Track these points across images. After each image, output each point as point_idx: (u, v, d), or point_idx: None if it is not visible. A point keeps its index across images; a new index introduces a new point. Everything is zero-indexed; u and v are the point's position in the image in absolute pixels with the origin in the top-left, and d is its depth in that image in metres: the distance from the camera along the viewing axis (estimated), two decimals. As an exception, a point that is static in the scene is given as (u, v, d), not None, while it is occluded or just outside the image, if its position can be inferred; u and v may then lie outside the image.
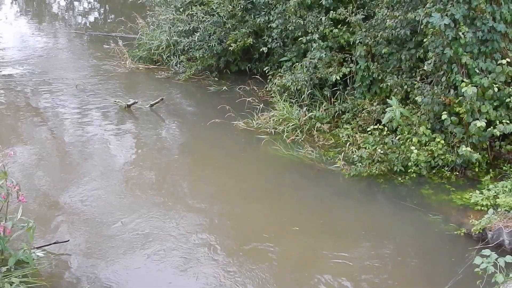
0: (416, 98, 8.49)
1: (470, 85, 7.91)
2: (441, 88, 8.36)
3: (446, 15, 8.02)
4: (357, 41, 9.57)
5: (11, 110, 10.85)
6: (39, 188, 8.14)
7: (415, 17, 8.57)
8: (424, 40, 8.51)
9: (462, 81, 8.03)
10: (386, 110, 8.68)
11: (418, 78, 8.91)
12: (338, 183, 8.42)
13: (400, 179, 8.34)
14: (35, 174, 8.60)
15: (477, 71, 8.12)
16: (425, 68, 8.44)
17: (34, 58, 13.73)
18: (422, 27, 8.46)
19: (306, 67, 10.04)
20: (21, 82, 12.14)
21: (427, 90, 8.43)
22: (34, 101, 11.18)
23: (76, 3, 20.67)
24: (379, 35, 9.27)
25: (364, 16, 9.76)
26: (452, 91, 8.30)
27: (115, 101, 10.98)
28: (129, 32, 14.71)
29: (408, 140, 8.49)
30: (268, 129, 9.79)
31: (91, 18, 18.76)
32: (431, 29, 8.21)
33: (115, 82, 12.14)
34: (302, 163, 8.91)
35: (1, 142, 9.37)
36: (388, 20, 9.06)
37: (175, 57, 12.80)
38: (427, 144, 8.39)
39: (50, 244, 6.74)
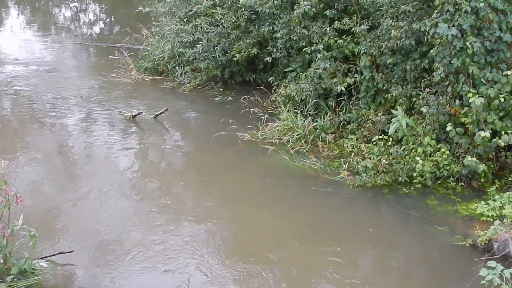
0: (422, 109, 8.46)
1: (477, 95, 7.90)
2: (447, 98, 8.34)
3: (454, 25, 8.01)
4: (362, 52, 9.56)
5: (16, 120, 10.88)
6: (43, 198, 8.14)
7: (420, 27, 8.57)
8: (431, 50, 8.49)
9: (469, 91, 8.01)
10: (391, 120, 8.66)
11: (423, 88, 8.90)
12: (342, 193, 8.38)
13: (405, 189, 8.30)
14: (39, 184, 8.60)
15: (483, 81, 8.11)
16: (434, 78, 8.42)
17: (39, 69, 13.76)
18: (428, 37, 8.44)
19: (310, 77, 10.02)
20: (27, 92, 12.17)
21: (432, 100, 8.41)
22: (39, 111, 11.19)
23: (81, 14, 20.75)
24: (383, 45, 9.27)
25: (368, 27, 9.76)
26: (457, 101, 8.28)
27: (120, 112, 10.99)
28: (134, 43, 14.74)
29: (413, 151, 8.46)
30: (273, 140, 9.77)
31: (97, 29, 18.81)
32: (438, 39, 8.19)
33: (120, 93, 12.16)
34: (307, 174, 8.89)
35: (7, 151, 9.42)
36: (393, 31, 9.06)
37: (180, 67, 12.82)
38: (432, 154, 8.36)
39: (55, 255, 6.73)
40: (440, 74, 8.23)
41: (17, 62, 14.26)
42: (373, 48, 9.39)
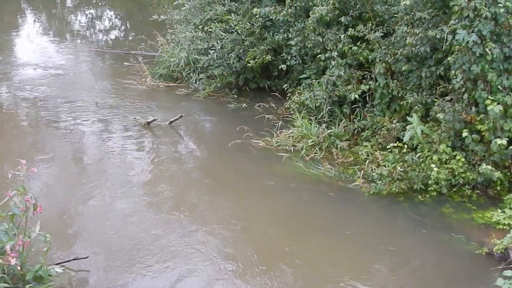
0: (438, 116, 8.41)
1: (495, 102, 7.85)
2: (462, 105, 8.29)
3: (473, 31, 7.97)
4: (377, 59, 9.53)
5: (32, 125, 10.95)
6: (57, 202, 8.18)
7: (435, 34, 8.54)
8: (447, 57, 8.45)
9: (487, 98, 7.97)
10: (406, 127, 8.62)
11: (438, 95, 8.86)
12: (357, 201, 8.36)
13: (420, 197, 8.26)
14: (53, 188, 8.66)
15: (500, 88, 8.06)
16: (452, 85, 8.37)
17: (54, 75, 13.85)
18: (447, 44, 8.39)
19: (324, 84, 10.01)
20: (43, 98, 12.24)
21: (448, 107, 8.36)
22: (55, 117, 11.25)
23: (97, 21, 20.85)
24: (398, 52, 9.24)
25: (383, 34, 9.74)
26: (473, 108, 8.23)
27: (135, 118, 11.03)
28: (149, 49, 14.80)
29: (428, 158, 8.41)
30: (287, 147, 9.77)
31: (112, 36, 18.89)
32: (457, 46, 8.15)
33: (135, 100, 12.19)
34: (321, 181, 8.87)
35: (22, 155, 9.46)
36: (408, 38, 9.03)
37: (194, 74, 12.83)
38: (447, 162, 8.31)
39: (69, 261, 6.75)
40: (459, 81, 8.18)
41: (33, 68, 14.36)
42: (388, 55, 9.36)
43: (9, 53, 16.27)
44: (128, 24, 20.85)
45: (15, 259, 5.42)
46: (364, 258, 7.09)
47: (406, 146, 8.65)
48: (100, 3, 24.03)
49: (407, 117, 8.87)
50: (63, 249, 7.04)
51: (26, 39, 17.78)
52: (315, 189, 8.72)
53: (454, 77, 8.28)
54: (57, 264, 6.53)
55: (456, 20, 8.24)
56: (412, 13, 9.24)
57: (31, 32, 18.67)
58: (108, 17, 21.57)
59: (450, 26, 8.33)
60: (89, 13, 22.14)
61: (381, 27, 9.87)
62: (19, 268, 5.74)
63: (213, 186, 8.97)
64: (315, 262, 7.00)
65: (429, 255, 7.19)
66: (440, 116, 8.37)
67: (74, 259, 6.79)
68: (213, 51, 11.91)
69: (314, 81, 10.57)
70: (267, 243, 7.42)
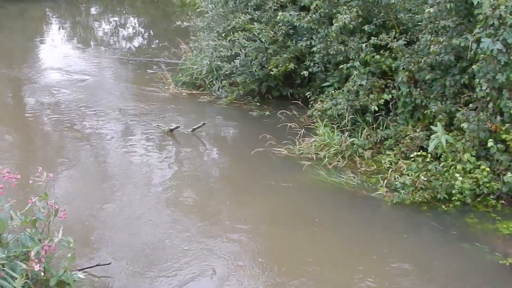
0: (462, 125, 8.34)
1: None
2: (487, 115, 8.22)
3: (498, 40, 7.91)
4: (400, 67, 9.48)
5: (56, 132, 11.05)
6: (80, 209, 8.22)
7: (460, 43, 8.48)
8: (473, 66, 8.38)
9: (513, 107, 7.91)
10: (430, 136, 8.57)
11: (463, 104, 8.80)
12: (380, 210, 8.32)
13: (444, 207, 8.18)
14: (77, 195, 8.71)
15: (524, 97, 8.00)
16: (476, 94, 8.31)
17: (78, 82, 13.98)
18: (471, 52, 8.34)
19: (346, 93, 9.98)
20: (66, 105, 12.37)
21: (472, 116, 8.30)
22: (78, 123, 11.36)
23: (120, 29, 21.02)
24: (422, 61, 9.19)
25: (406, 42, 9.69)
26: (498, 118, 8.16)
27: (158, 125, 11.08)
28: (173, 57, 14.88)
29: (452, 167, 8.34)
30: (310, 155, 9.74)
31: (135, 43, 19.02)
32: (482, 55, 8.10)
33: (158, 107, 12.26)
34: (343, 190, 8.84)
35: (45, 161, 9.58)
36: (432, 46, 8.97)
37: (217, 82, 12.86)
38: (471, 171, 8.22)
39: (92, 267, 6.79)
40: (484, 90, 8.12)
41: (57, 74, 14.54)
42: (412, 63, 9.30)
43: (33, 58, 16.51)
44: (151, 32, 20.98)
45: (38, 264, 5.45)
46: (387, 267, 7.03)
47: (429, 155, 8.59)
48: (124, 11, 24.23)
49: (431, 126, 8.81)
50: (85, 255, 7.08)
51: (50, 45, 17.99)
52: (337, 197, 8.68)
53: (479, 86, 8.21)
54: (80, 270, 6.56)
55: (481, 29, 8.17)
56: (436, 22, 9.19)
57: (56, 38, 18.88)
58: (131, 25, 21.72)
59: (474, 35, 8.27)
60: (113, 20, 22.35)
61: (404, 35, 9.82)
62: (42, 273, 5.78)
63: (234, 194, 8.98)
64: (333, 272, 6.96)
65: (453, 265, 7.11)
66: (465, 125, 8.30)
67: (97, 265, 6.82)
68: (237, 59, 11.92)
69: (336, 89, 10.55)
70: (287, 250, 7.40)
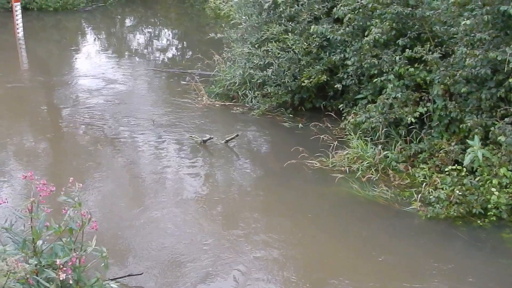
0: (499, 138, 8.22)
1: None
2: (524, 129, 8.11)
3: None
4: (435, 80, 9.38)
5: (90, 141, 11.17)
6: (113, 218, 8.31)
7: (496, 56, 8.38)
8: (510, 79, 8.27)
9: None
10: (465, 150, 8.45)
11: (499, 117, 8.68)
12: (414, 224, 8.22)
13: (479, 222, 8.07)
14: (109, 204, 8.79)
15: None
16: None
17: (112, 92, 14.14)
18: (509, 66, 8.22)
19: (380, 106, 9.91)
20: (100, 114, 12.52)
21: (509, 130, 8.18)
22: (112, 133, 11.48)
23: (155, 40, 21.20)
24: (457, 74, 9.09)
25: (441, 55, 9.60)
26: (535, 132, 8.04)
27: (191, 136, 11.12)
28: (206, 68, 14.95)
29: (488, 182, 8.23)
30: (343, 168, 9.69)
31: (169, 55, 19.18)
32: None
33: (191, 118, 12.31)
34: (376, 203, 8.76)
35: (79, 170, 9.67)
36: (467, 59, 8.87)
37: (250, 92, 12.84)
38: (508, 186, 8.11)
39: (124, 277, 6.82)
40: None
41: (91, 84, 14.73)
42: (447, 77, 9.20)
43: (68, 68, 16.79)
44: (185, 43, 21.13)
45: (64, 274, 5.47)
46: (422, 283, 6.94)
47: (464, 169, 8.48)
48: (158, 23, 24.46)
49: (466, 140, 8.70)
50: (117, 264, 7.13)
51: (85, 55, 18.23)
52: (370, 211, 8.61)
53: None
54: (112, 279, 6.59)
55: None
56: (472, 34, 9.10)
57: (90, 49, 19.12)
58: (165, 36, 21.92)
59: (512, 48, 8.19)
60: (147, 31, 22.56)
61: (439, 48, 9.74)
62: (70, 282, 5.80)
63: (266, 205, 8.97)
64: (368, 284, 6.90)
65: (487, 280, 7.00)
66: (501, 139, 8.18)
67: (129, 275, 6.85)
68: (270, 69, 11.93)
69: (370, 102, 10.49)
70: (319, 264, 7.36)
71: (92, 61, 17.44)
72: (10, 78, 15.26)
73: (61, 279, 5.46)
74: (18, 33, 18.89)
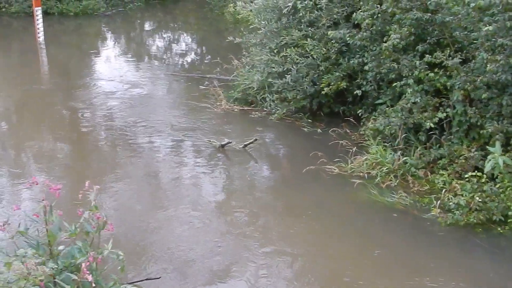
0: (519, 146, 8.15)
1: None
2: (545, 135, 8.02)
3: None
4: (455, 86, 9.30)
5: (108, 144, 11.25)
6: (131, 222, 8.33)
7: (518, 62, 8.30)
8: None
9: None
10: (487, 157, 8.36)
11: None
12: (433, 231, 8.14)
13: (499, 229, 7.98)
14: (126, 207, 8.82)
15: None
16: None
17: (131, 96, 14.21)
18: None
19: (400, 111, 9.84)
20: (119, 117, 12.60)
21: (530, 137, 8.11)
22: (130, 136, 11.54)
23: (174, 45, 21.28)
24: (478, 79, 9.00)
25: (461, 60, 9.51)
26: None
27: (209, 141, 11.12)
28: (225, 73, 14.96)
29: (509, 189, 8.13)
30: (361, 173, 9.63)
31: (188, 59, 19.22)
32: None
33: (209, 122, 12.32)
34: (395, 209, 8.70)
35: (97, 173, 9.72)
36: (488, 65, 8.79)
37: (269, 96, 12.79)
38: (528, 193, 8.03)
39: (142, 281, 6.82)
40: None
41: (110, 87, 14.86)
42: (467, 82, 9.11)
43: (88, 72, 16.91)
44: (204, 48, 21.17)
45: (90, 276, 5.48)
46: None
47: (484, 175, 8.39)
48: (177, 27, 24.55)
49: (487, 146, 8.61)
50: (135, 268, 7.14)
51: (105, 59, 18.37)
52: (389, 217, 8.55)
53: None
54: (129, 283, 6.58)
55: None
56: (493, 40, 9.01)
57: (110, 53, 19.25)
58: (184, 41, 21.99)
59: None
60: (166, 36, 22.65)
61: (459, 53, 9.64)
62: (93, 285, 5.81)
63: (284, 210, 8.94)
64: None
65: (508, 290, 6.94)
66: (522, 145, 8.11)
67: (146, 279, 6.85)
68: (288, 75, 11.91)
69: (389, 107, 10.42)
70: (337, 270, 7.31)
71: (111, 65, 17.57)
72: (30, 81, 15.43)
73: (89, 280, 5.47)
74: (39, 37, 19.06)
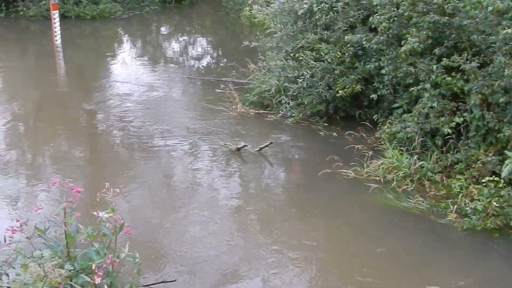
0: (537, 150, 8.08)
1: None
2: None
3: None
4: (473, 90, 9.23)
5: (125, 146, 11.28)
6: (146, 225, 8.34)
7: (536, 66, 8.24)
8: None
9: None
10: (504, 162, 8.29)
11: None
12: (450, 236, 8.08)
13: (517, 234, 7.94)
14: (142, 211, 8.82)
15: None
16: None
17: (147, 99, 14.25)
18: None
19: (416, 116, 9.78)
20: (134, 120, 12.63)
21: (548, 141, 8.04)
22: (146, 138, 11.57)
23: (190, 48, 21.31)
24: (496, 83, 8.94)
25: (479, 64, 9.44)
26: None
27: (225, 144, 11.13)
28: (241, 77, 14.97)
29: (526, 194, 8.09)
30: (377, 177, 9.59)
31: (204, 63, 19.24)
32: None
33: (225, 126, 12.33)
34: (412, 214, 8.65)
35: (112, 177, 9.74)
36: (506, 69, 8.73)
37: (285, 99, 12.75)
38: (546, 198, 7.96)
39: (157, 283, 6.82)
40: None
41: (126, 90, 14.89)
42: (485, 87, 9.05)
43: (105, 74, 16.98)
44: (219, 51, 21.19)
45: (99, 278, 5.49)
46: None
47: (502, 180, 8.33)
48: (193, 31, 24.58)
49: (505, 151, 8.55)
50: (150, 271, 7.15)
51: (121, 62, 18.40)
52: (405, 222, 8.51)
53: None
54: (145, 286, 6.60)
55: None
56: (511, 43, 8.95)
57: (126, 56, 19.30)
58: (200, 44, 22.00)
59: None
60: (182, 39, 22.70)
61: (477, 57, 9.57)
62: (105, 287, 5.82)
63: (299, 214, 8.92)
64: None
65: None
66: (540, 150, 8.05)
67: (161, 282, 6.86)
68: (302, 79, 11.90)
69: (405, 111, 10.37)
70: (351, 275, 7.27)
71: (127, 68, 17.63)
72: (47, 83, 15.55)
73: (97, 282, 5.48)
74: (56, 40, 19.17)
